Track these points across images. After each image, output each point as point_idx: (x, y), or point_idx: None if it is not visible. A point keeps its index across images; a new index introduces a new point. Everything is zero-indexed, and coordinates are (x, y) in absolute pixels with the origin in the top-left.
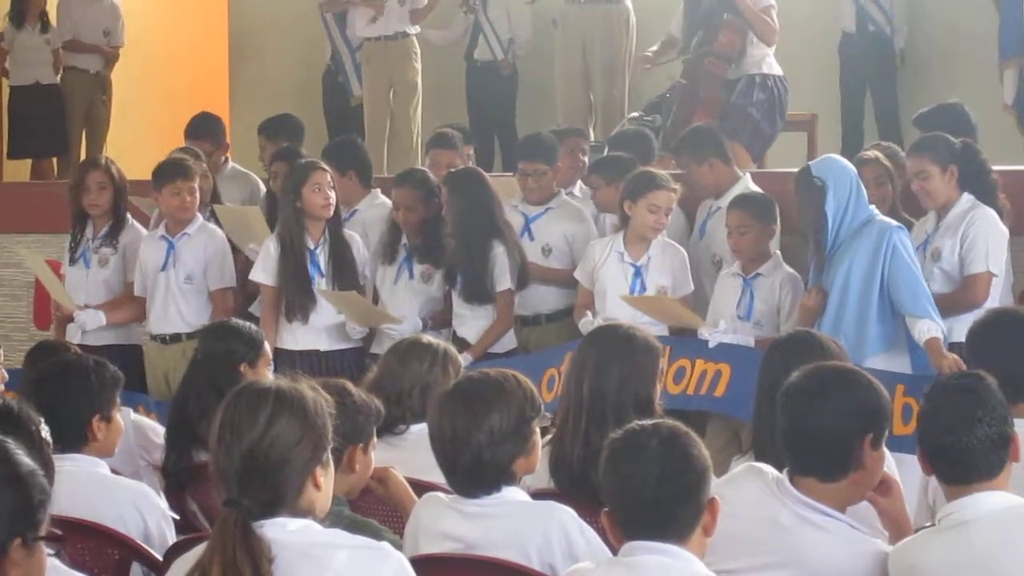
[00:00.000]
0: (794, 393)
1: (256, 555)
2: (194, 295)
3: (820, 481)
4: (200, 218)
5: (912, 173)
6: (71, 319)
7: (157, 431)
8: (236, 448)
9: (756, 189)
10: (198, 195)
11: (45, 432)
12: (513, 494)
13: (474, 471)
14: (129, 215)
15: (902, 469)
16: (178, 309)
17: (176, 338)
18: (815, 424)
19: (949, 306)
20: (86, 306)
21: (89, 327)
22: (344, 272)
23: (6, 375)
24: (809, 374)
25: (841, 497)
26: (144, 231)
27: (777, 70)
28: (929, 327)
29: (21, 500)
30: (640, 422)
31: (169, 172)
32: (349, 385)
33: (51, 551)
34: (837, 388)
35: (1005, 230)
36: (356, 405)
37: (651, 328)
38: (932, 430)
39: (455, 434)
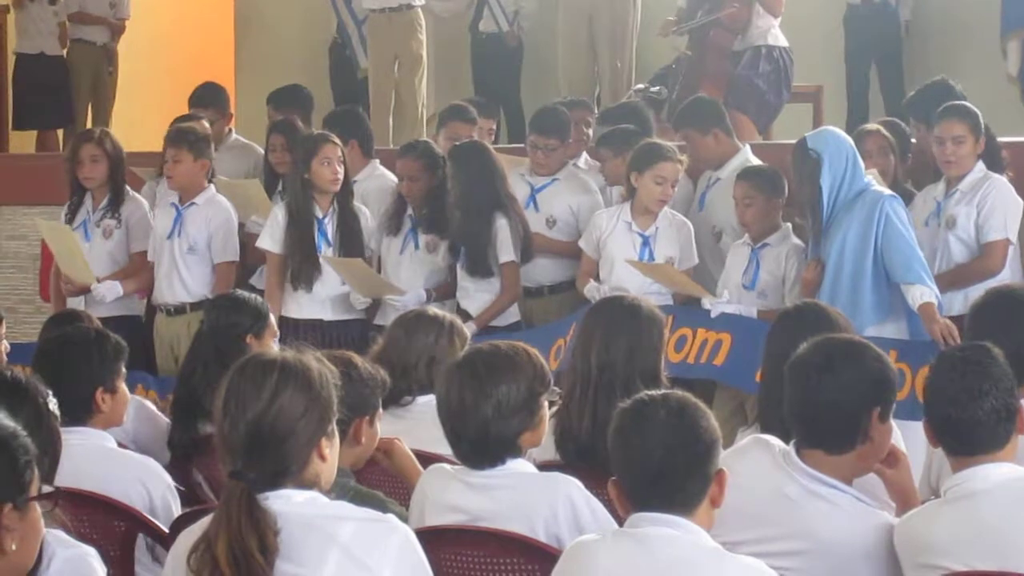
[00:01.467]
0: (802, 366)
1: (261, 527)
2: (197, 265)
3: (827, 454)
4: (212, 189)
5: (948, 136)
6: (81, 292)
7: (160, 427)
8: (241, 420)
9: (755, 160)
10: (186, 164)
11: (53, 404)
12: (519, 466)
13: (479, 443)
14: (129, 187)
15: (905, 436)
16: (181, 279)
17: (180, 309)
18: (823, 398)
19: (966, 275)
20: (98, 278)
21: (108, 299)
22: (351, 243)
23: (8, 346)
24: (817, 347)
25: (848, 470)
26: (145, 201)
27: (783, 41)
28: (923, 292)
29: (6, 466)
30: (649, 392)
31: (165, 139)
32: (355, 357)
33: (46, 510)
34: (845, 361)
35: (1020, 199)
36: (362, 377)
37: (656, 297)
38: (938, 402)
39: (463, 405)
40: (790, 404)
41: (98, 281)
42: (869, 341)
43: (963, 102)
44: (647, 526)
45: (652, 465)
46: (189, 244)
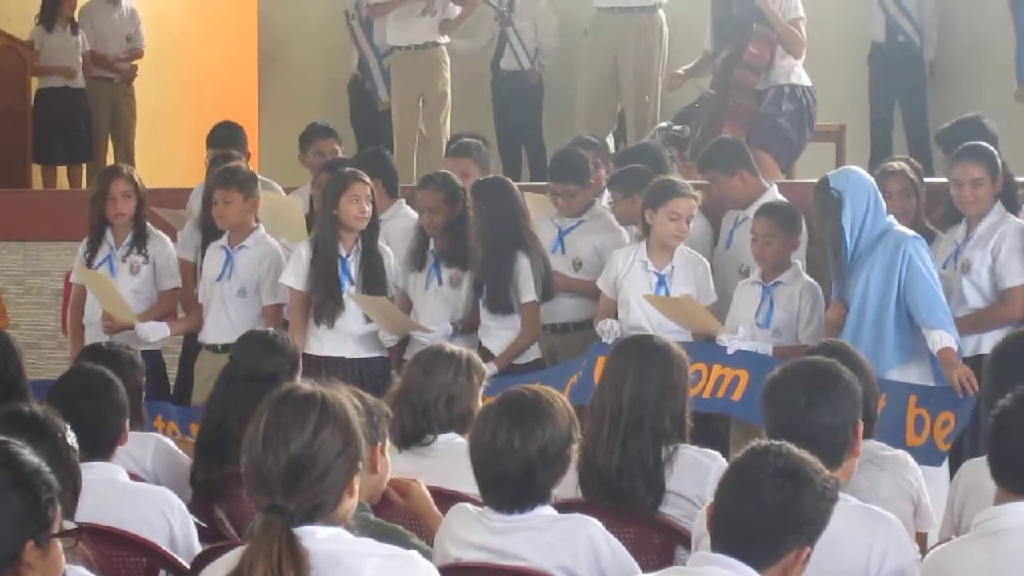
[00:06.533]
0: (786, 398)
1: (300, 562)
2: (246, 307)
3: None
4: (261, 230)
5: (967, 179)
6: (120, 330)
7: (182, 465)
8: (283, 452)
9: (782, 199)
10: (237, 204)
11: (71, 439)
12: (543, 511)
13: (521, 486)
14: (150, 224)
15: (928, 481)
16: (229, 319)
17: (228, 348)
18: (812, 429)
19: (985, 321)
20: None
21: (153, 339)
22: (374, 282)
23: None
24: (796, 374)
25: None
26: (170, 240)
27: (806, 80)
28: (943, 337)
29: (29, 503)
30: (772, 443)
31: (215, 181)
32: (355, 389)
33: (68, 546)
34: (827, 391)
35: None
36: (368, 407)
37: (673, 335)
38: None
39: (511, 446)
40: (778, 430)
41: (142, 321)
42: (883, 382)
43: (979, 143)
44: (706, 565)
45: (741, 513)
46: (240, 287)
